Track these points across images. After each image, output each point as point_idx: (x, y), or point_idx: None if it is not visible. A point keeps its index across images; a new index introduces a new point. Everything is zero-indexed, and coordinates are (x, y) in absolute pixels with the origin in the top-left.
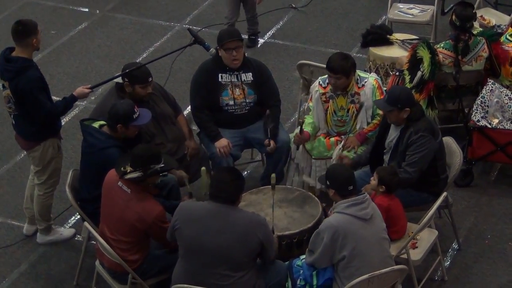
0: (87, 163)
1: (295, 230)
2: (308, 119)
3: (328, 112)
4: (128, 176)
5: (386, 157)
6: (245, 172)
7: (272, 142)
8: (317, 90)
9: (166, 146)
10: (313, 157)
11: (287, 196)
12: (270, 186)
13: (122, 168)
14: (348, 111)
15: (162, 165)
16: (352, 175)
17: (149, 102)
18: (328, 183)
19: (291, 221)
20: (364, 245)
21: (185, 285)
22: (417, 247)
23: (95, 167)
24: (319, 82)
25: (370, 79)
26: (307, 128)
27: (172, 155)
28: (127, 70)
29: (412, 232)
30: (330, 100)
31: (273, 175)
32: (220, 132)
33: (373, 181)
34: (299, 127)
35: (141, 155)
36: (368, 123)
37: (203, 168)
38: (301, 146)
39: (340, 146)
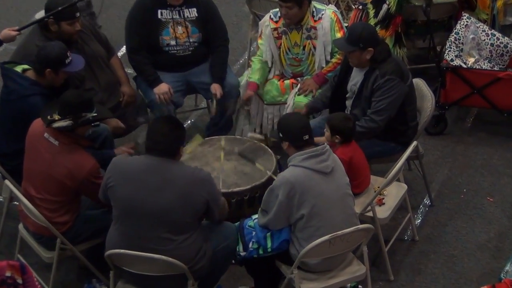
0: (6, 112)
1: (245, 187)
2: (255, 64)
3: (281, 50)
4: (56, 124)
5: (349, 103)
6: (188, 121)
7: (218, 91)
8: (267, 25)
9: (97, 92)
10: (265, 102)
11: (237, 147)
12: (218, 137)
13: (49, 117)
14: (303, 48)
15: (95, 114)
16: (307, 123)
17: (78, 41)
18: (280, 135)
19: (241, 176)
20: (325, 202)
21: (121, 251)
22: (384, 204)
23: (16, 116)
24: (270, 16)
25: (328, 11)
26: (253, 77)
27: (105, 103)
28: (59, 8)
29: (378, 187)
30: (283, 36)
31: (198, 135)
32: (160, 76)
33: (326, 132)
34: (246, 80)
35: (71, 101)
36: (327, 62)
37: (198, 136)
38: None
39: (296, 89)
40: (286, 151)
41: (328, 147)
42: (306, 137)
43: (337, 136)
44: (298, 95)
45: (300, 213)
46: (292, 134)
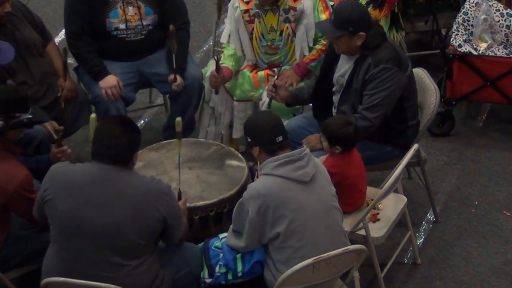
0: None
1: (211, 200)
2: (228, 50)
3: (254, 36)
4: None
5: (336, 98)
6: (142, 121)
7: (178, 78)
8: (237, 7)
9: (31, 86)
10: (235, 98)
11: (201, 153)
12: (175, 140)
13: None
14: (281, 34)
15: (30, 115)
16: (279, 122)
17: (7, 25)
18: (248, 139)
19: (206, 187)
20: (305, 217)
21: (60, 278)
22: (379, 220)
23: None
24: None
25: None
26: (226, 63)
27: (40, 99)
28: None
29: (372, 200)
30: (256, 19)
31: (178, 119)
32: (107, 66)
33: (324, 142)
34: (215, 61)
35: (2, 98)
36: (310, 49)
37: (93, 115)
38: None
39: (272, 82)
40: (257, 157)
41: (307, 150)
42: (280, 138)
43: (337, 146)
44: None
45: (275, 231)
46: (262, 137)
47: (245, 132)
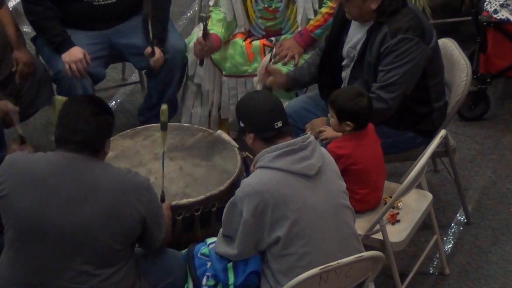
0: None
1: (197, 197)
2: (216, 14)
3: None
4: None
5: (345, 74)
6: (113, 103)
7: (157, 52)
8: None
9: None
10: (224, 73)
11: (184, 140)
12: (157, 125)
13: None
14: None
15: None
16: (278, 103)
17: None
18: (241, 124)
19: (190, 181)
20: (310, 218)
21: None
22: (398, 222)
23: None
24: None
25: None
26: (215, 29)
27: None
28: None
29: (391, 197)
30: None
31: (164, 106)
32: (71, 36)
33: (332, 118)
34: (203, 25)
35: None
36: (315, 13)
37: (58, 97)
38: (206, 59)
39: (269, 55)
40: (252, 146)
41: (312, 137)
42: (279, 124)
43: (348, 122)
44: (274, 63)
45: (275, 235)
46: (257, 121)
47: (237, 115)
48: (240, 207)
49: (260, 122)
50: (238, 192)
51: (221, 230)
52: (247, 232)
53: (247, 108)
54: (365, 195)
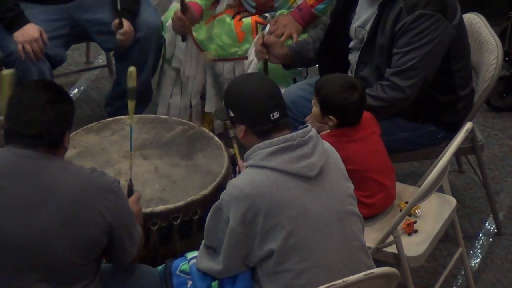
0: None
1: (176, 203)
2: None
3: None
4: None
5: (353, 58)
6: (75, 90)
7: (125, 23)
8: None
9: None
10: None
11: (161, 136)
12: (127, 117)
13: None
14: None
15: None
16: (276, 90)
17: None
18: (231, 114)
19: (168, 184)
20: (310, 227)
21: None
22: (416, 231)
23: None
24: None
25: None
26: None
27: None
28: None
29: (407, 202)
30: None
31: (132, 68)
32: (25, 11)
33: (315, 107)
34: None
35: None
36: None
37: (8, 71)
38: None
39: (262, 34)
40: (242, 140)
41: (313, 131)
42: (276, 115)
43: (331, 116)
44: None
45: (267, 248)
46: (250, 112)
47: (225, 103)
48: (226, 213)
49: (253, 112)
50: (224, 195)
51: (203, 241)
52: (234, 243)
53: (238, 94)
54: (368, 198)
